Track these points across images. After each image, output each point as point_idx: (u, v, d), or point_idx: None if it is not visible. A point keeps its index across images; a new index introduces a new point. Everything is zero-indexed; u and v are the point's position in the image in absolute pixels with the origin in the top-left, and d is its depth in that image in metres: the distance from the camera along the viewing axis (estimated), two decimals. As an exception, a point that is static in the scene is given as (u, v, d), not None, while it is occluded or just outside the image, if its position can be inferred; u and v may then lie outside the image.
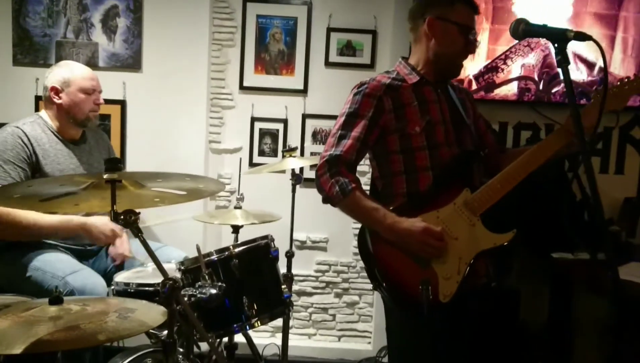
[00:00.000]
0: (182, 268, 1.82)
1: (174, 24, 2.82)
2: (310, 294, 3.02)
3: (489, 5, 2.65)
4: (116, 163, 1.25)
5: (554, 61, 2.67)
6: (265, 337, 2.97)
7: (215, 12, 2.86)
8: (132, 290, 1.94)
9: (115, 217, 1.25)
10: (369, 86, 1.68)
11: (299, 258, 2.97)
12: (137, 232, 1.27)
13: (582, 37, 1.26)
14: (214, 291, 1.67)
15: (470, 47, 1.71)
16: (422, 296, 1.49)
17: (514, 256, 2.60)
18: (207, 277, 1.72)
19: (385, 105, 1.66)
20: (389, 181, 1.72)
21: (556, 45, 1.28)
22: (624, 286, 2.12)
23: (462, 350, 1.72)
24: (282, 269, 2.38)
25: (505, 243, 1.59)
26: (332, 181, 1.62)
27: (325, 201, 1.67)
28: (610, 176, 2.87)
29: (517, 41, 2.68)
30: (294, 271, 2.91)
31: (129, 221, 1.24)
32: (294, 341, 3.02)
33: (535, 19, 2.61)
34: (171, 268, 2.02)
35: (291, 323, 3.04)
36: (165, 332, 1.38)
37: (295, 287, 3.01)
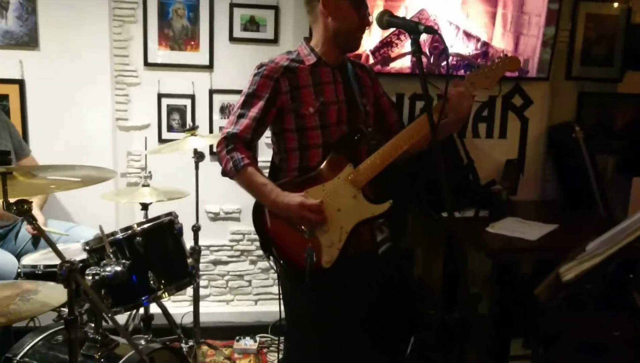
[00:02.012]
0: (87, 248, 1.89)
1: (71, 0, 2.75)
2: (226, 262, 3.16)
3: (382, -17, 2.80)
4: (5, 156, 1.30)
5: (443, 34, 2.89)
6: (184, 307, 3.08)
7: (114, -13, 2.82)
8: (39, 272, 2.00)
9: (7, 207, 1.31)
10: (267, 68, 1.78)
11: (214, 229, 3.10)
12: (30, 220, 1.33)
13: (430, 30, 1.42)
14: (118, 268, 1.77)
15: (365, 20, 1.81)
16: (305, 262, 1.64)
17: (407, 219, 2.86)
18: (111, 256, 1.81)
19: (282, 86, 1.77)
20: (284, 157, 1.86)
21: (412, 36, 1.43)
22: (495, 239, 2.43)
23: (350, 313, 1.90)
24: (192, 242, 2.51)
25: (383, 212, 1.77)
26: (227, 156, 1.74)
27: (223, 174, 1.79)
28: (495, 140, 3.17)
29: (410, 17, 2.87)
30: (209, 242, 3.07)
31: (22, 210, 1.31)
32: (212, 308, 3.17)
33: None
34: (79, 248, 2.10)
35: (209, 291, 3.18)
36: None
37: (211, 257, 3.14)
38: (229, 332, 3.06)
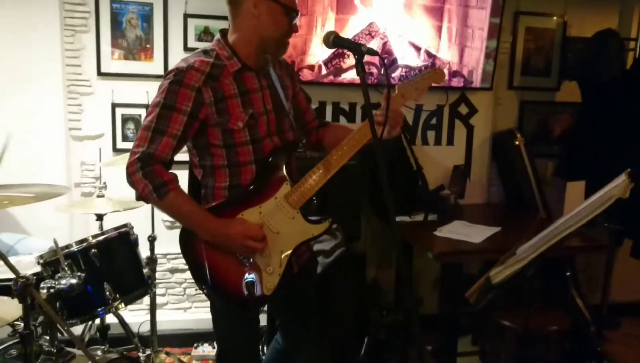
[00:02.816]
0: (42, 261, 1.89)
1: (21, 9, 2.73)
2: (183, 270, 3.17)
3: (333, -3, 2.89)
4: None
5: (392, 47, 3.02)
6: (141, 315, 3.08)
7: (65, -3, 2.81)
8: (-9, 286, 1.98)
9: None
10: (187, 75, 1.54)
11: (171, 237, 3.09)
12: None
13: (372, 52, 1.51)
14: (73, 281, 1.78)
15: (294, 27, 1.67)
16: (247, 294, 1.51)
17: (362, 224, 2.96)
18: (66, 268, 1.83)
19: (205, 97, 1.56)
20: (210, 173, 1.69)
21: (356, 56, 1.52)
22: (442, 242, 2.57)
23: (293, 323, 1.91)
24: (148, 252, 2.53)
25: (322, 232, 1.69)
26: (145, 181, 1.53)
27: (138, 199, 1.59)
28: (443, 147, 3.33)
29: (360, 29, 2.98)
30: (166, 250, 3.08)
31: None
32: (170, 316, 3.18)
33: (375, 8, 2.92)
34: (32, 261, 2.09)
35: (166, 299, 3.19)
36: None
37: (168, 265, 3.15)
38: (187, 339, 3.08)
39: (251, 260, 1.63)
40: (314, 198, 1.66)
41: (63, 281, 1.77)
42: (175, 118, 1.54)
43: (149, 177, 1.52)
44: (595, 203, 1.16)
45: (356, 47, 1.51)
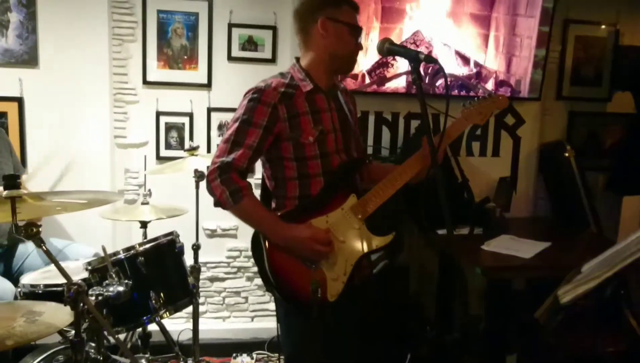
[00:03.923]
0: (90, 268, 1.90)
1: (71, 19, 2.79)
2: (222, 279, 3.17)
3: (378, 5, 2.86)
4: (14, 180, 1.32)
5: (437, 56, 2.97)
6: (181, 323, 3.08)
7: (114, 7, 2.86)
8: (40, 291, 2.00)
9: (16, 230, 1.33)
10: (264, 94, 1.69)
11: (211, 246, 3.11)
12: (39, 243, 1.35)
13: (431, 60, 1.47)
14: (121, 288, 1.77)
15: (358, 46, 1.81)
16: (312, 297, 1.58)
17: (405, 237, 2.89)
18: (114, 275, 1.82)
19: (280, 113, 1.69)
20: (281, 184, 1.79)
21: (412, 65, 1.48)
22: (490, 257, 2.48)
23: (351, 340, 1.91)
24: (192, 260, 2.53)
25: (386, 244, 1.77)
26: (222, 187, 1.64)
27: (216, 204, 1.69)
28: (488, 158, 3.24)
29: (405, 38, 2.94)
30: (206, 258, 3.09)
31: (31, 233, 1.32)
32: (209, 325, 3.18)
33: (421, 17, 2.88)
34: (78, 266, 2.11)
35: (205, 308, 3.18)
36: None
37: (207, 274, 3.15)
38: (226, 348, 3.06)
39: (317, 266, 1.69)
40: (379, 211, 1.75)
41: (111, 289, 1.76)
42: (252, 132, 1.67)
43: (225, 183, 1.64)
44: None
45: (414, 55, 1.48)
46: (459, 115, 1.85)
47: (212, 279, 3.16)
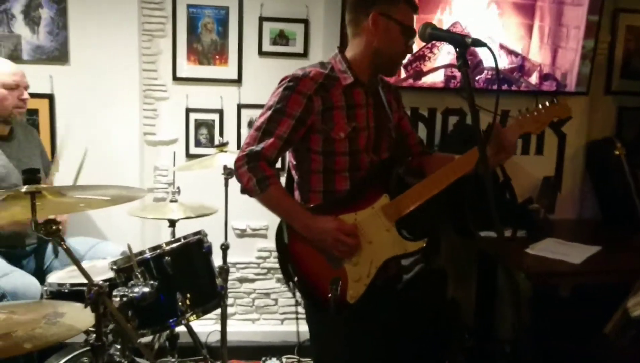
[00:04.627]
0: (115, 267, 1.84)
1: (101, 15, 2.75)
2: (252, 280, 3.08)
3: (415, -5, 2.72)
4: (34, 174, 1.26)
5: (477, 49, 2.81)
6: (209, 325, 3.01)
7: (144, 2, 2.80)
8: (66, 291, 1.95)
9: (36, 227, 1.26)
10: (301, 83, 1.64)
11: (240, 246, 3.03)
12: (59, 241, 1.29)
13: (479, 43, 1.35)
14: (146, 289, 1.71)
15: (409, 48, 1.72)
16: (331, 295, 1.52)
17: (442, 238, 2.75)
18: (139, 276, 1.75)
19: (315, 105, 1.63)
20: (306, 177, 1.75)
21: (457, 50, 1.36)
22: (536, 261, 2.31)
23: (376, 342, 1.82)
24: (220, 260, 2.45)
25: (416, 250, 1.68)
26: (249, 174, 1.62)
27: (243, 191, 1.67)
28: (531, 156, 3.06)
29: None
30: (235, 259, 3.01)
31: (50, 230, 1.26)
32: (237, 327, 3.10)
33: (459, 7, 2.74)
34: (105, 265, 2.05)
35: (234, 309, 3.11)
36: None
37: (237, 274, 3.07)
38: (255, 352, 2.99)
39: (341, 264, 1.63)
40: (413, 214, 1.65)
41: (136, 290, 1.69)
42: (284, 122, 1.62)
43: (253, 171, 1.61)
44: None
45: (459, 40, 1.37)
46: (512, 121, 1.71)
47: (242, 280, 3.08)
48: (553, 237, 2.61)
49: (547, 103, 1.71)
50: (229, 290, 3.07)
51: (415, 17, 1.72)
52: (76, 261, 1.32)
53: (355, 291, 1.63)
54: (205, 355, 2.51)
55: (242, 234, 3.03)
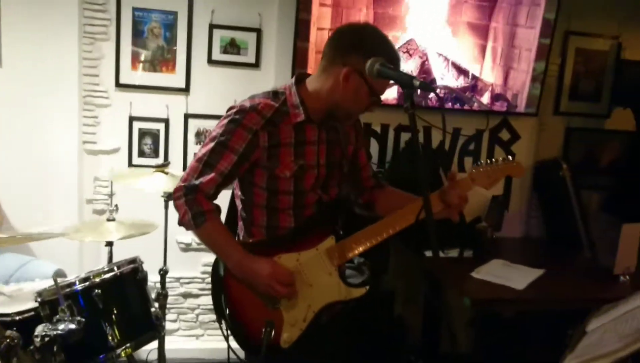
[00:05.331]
0: (40, 300, 1.71)
1: (38, 16, 2.57)
2: (196, 295, 2.98)
3: (370, 10, 2.67)
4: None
5: (431, 67, 2.79)
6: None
7: (85, 3, 2.64)
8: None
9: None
10: (247, 117, 1.54)
11: (185, 260, 2.93)
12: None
13: (426, 87, 1.31)
14: (72, 326, 1.59)
15: (370, 109, 1.61)
16: (263, 337, 1.48)
17: (390, 257, 2.73)
18: (66, 310, 1.63)
19: (260, 141, 1.55)
20: (249, 210, 1.68)
21: (405, 91, 1.31)
22: (480, 286, 2.32)
23: None
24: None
25: (356, 297, 1.61)
26: (186, 207, 1.55)
27: (180, 224, 1.60)
28: (481, 175, 3.07)
29: (398, 47, 2.75)
30: (179, 274, 2.92)
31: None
32: (181, 343, 3.00)
33: (415, 25, 2.70)
34: (34, 289, 1.90)
35: (177, 325, 3.01)
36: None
37: (181, 289, 2.97)
38: (198, 369, 2.91)
39: (277, 306, 1.57)
40: (357, 259, 1.63)
41: (61, 326, 1.57)
42: (227, 156, 1.55)
43: (189, 204, 1.55)
44: None
45: (407, 80, 1.30)
46: (465, 176, 1.65)
47: (185, 295, 2.98)
48: (500, 257, 2.63)
49: (502, 160, 1.67)
50: (172, 306, 2.97)
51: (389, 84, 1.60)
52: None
53: (290, 335, 1.56)
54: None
55: (187, 248, 2.93)
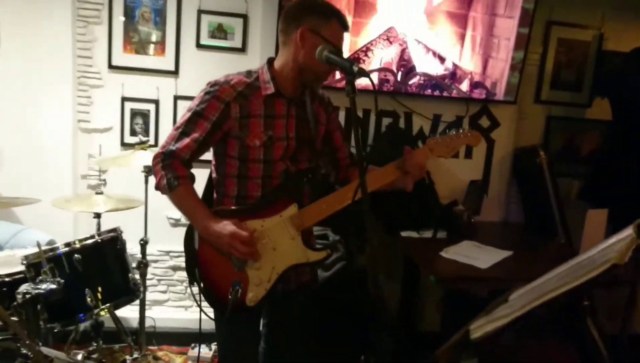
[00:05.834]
0: (25, 262, 1.87)
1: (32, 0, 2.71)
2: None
3: (351, -2, 2.77)
4: None
5: (411, 54, 2.89)
6: (137, 311, 3.06)
7: (79, -12, 2.78)
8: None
9: None
10: (220, 89, 1.68)
11: (175, 235, 3.07)
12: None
13: (363, 73, 1.41)
14: (53, 286, 1.75)
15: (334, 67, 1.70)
16: (230, 296, 1.62)
17: (367, 238, 2.85)
18: (48, 272, 1.79)
19: (232, 112, 1.67)
20: (222, 180, 1.79)
21: (347, 77, 1.42)
22: (447, 265, 2.43)
23: (292, 341, 1.94)
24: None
25: (317, 260, 1.75)
26: (162, 172, 1.67)
27: (156, 188, 1.72)
28: (460, 160, 3.17)
29: (378, 34, 2.85)
30: (170, 247, 3.07)
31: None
32: (170, 313, 3.16)
33: (395, 13, 2.77)
34: (21, 255, 2.06)
35: (167, 296, 3.17)
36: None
37: (171, 262, 3.12)
38: (186, 338, 3.04)
39: (243, 268, 1.69)
40: (333, 237, 1.68)
41: (43, 286, 1.73)
42: (201, 124, 1.68)
43: (165, 169, 1.68)
44: (591, 263, 1.03)
45: (348, 67, 1.42)
46: (423, 146, 1.76)
47: (175, 268, 3.13)
48: (474, 240, 2.73)
49: (460, 131, 1.79)
50: (162, 278, 3.13)
51: (345, 34, 1.73)
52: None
53: (255, 294, 1.69)
54: (130, 343, 2.57)
55: (177, 223, 3.07)
